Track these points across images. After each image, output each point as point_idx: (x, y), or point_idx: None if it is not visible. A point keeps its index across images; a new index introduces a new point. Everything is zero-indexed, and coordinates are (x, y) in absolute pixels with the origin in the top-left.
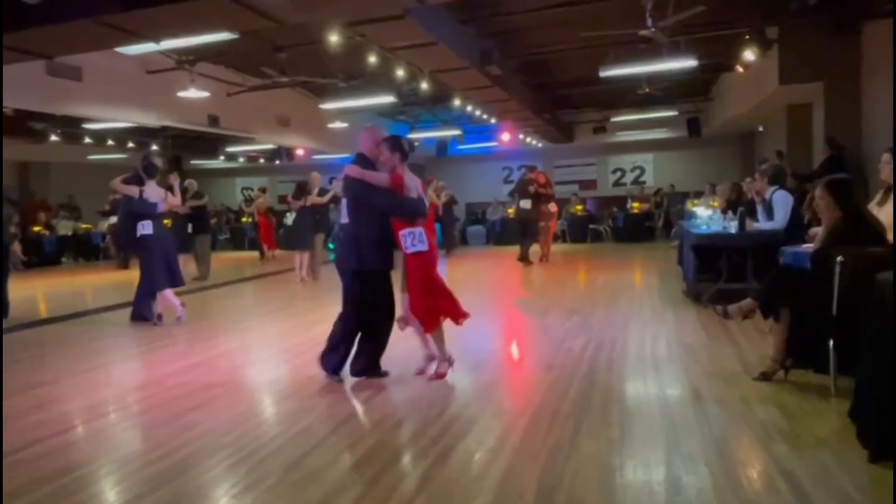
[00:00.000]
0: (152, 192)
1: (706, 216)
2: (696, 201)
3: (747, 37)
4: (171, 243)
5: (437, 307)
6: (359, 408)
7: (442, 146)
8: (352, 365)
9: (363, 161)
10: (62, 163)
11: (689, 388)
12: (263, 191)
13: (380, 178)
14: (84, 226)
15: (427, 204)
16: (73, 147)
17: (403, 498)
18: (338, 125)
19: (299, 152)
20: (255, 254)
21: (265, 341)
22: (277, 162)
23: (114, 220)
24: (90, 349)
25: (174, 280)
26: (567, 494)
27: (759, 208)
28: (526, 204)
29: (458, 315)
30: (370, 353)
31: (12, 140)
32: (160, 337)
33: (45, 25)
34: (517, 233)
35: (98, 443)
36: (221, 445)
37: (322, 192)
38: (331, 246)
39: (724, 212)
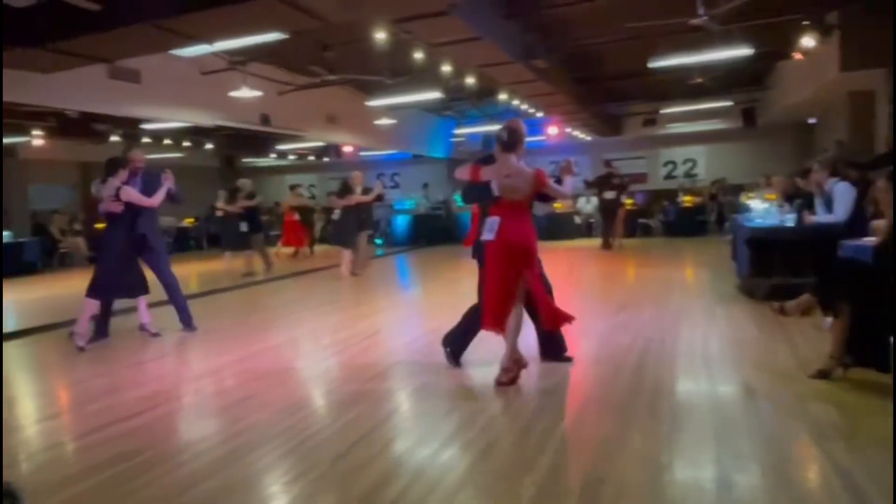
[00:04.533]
0: (106, 188)
1: (761, 209)
2: (750, 194)
3: (806, 23)
4: (110, 251)
5: (487, 309)
6: (405, 400)
7: (488, 141)
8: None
9: (491, 158)
10: None
11: (741, 385)
12: (293, 188)
13: (463, 171)
14: None
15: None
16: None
17: (449, 489)
18: (384, 122)
19: (347, 149)
20: (304, 250)
21: (313, 335)
22: (326, 159)
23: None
24: (147, 341)
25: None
26: (614, 489)
27: (819, 201)
28: (611, 195)
29: (485, 321)
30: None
31: (76, 141)
32: (212, 330)
33: (107, 31)
34: (603, 222)
35: (156, 431)
36: (272, 435)
37: (366, 191)
38: (378, 241)
39: (780, 204)
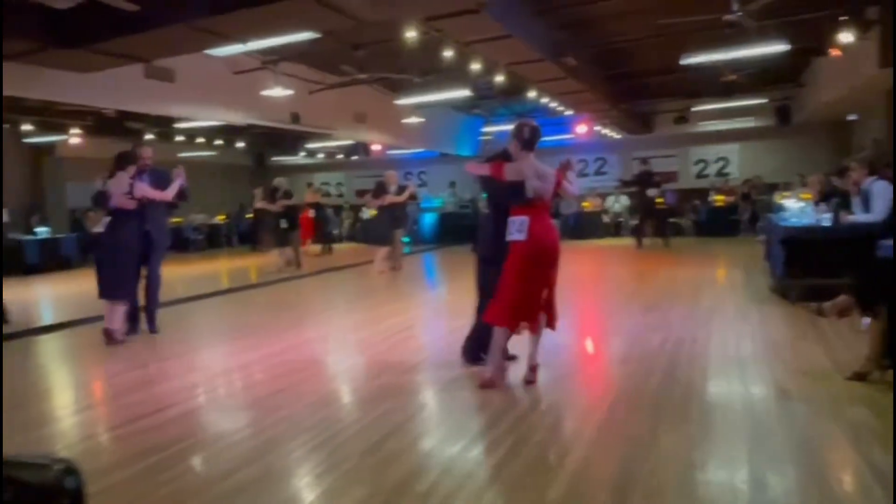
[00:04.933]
0: (114, 183)
1: (796, 208)
2: (784, 194)
3: (844, 18)
4: (125, 248)
5: (504, 306)
6: (434, 396)
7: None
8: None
9: (505, 155)
10: (156, 161)
11: (775, 387)
12: (309, 185)
13: (481, 168)
14: (175, 220)
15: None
16: (165, 145)
17: (478, 484)
18: (413, 120)
19: (376, 147)
20: (313, 247)
21: (342, 331)
22: (354, 157)
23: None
24: (177, 337)
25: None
26: (645, 488)
27: (856, 200)
28: (653, 192)
29: (500, 317)
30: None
31: (111, 139)
32: (244, 325)
33: (143, 31)
34: (641, 220)
35: (191, 421)
36: (304, 428)
37: (400, 190)
38: (406, 239)
39: (816, 204)
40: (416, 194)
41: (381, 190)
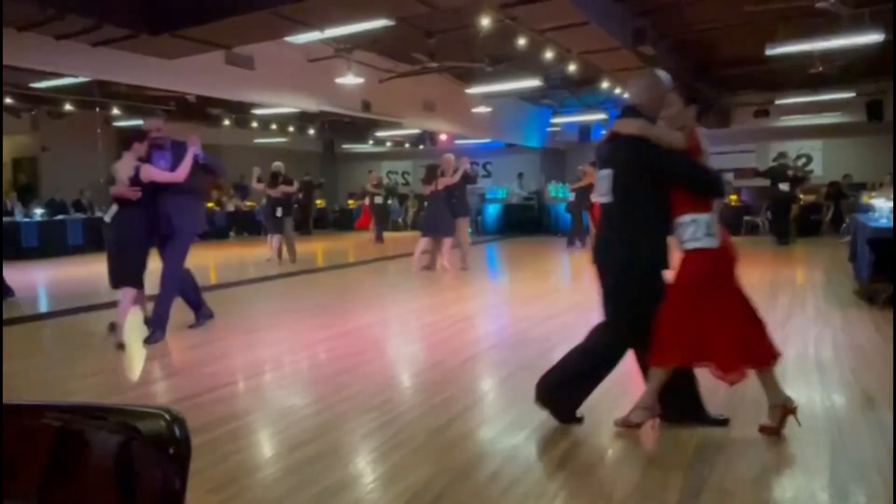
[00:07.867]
0: (120, 167)
1: (886, 208)
2: (873, 193)
3: None
4: (132, 241)
5: (692, 338)
6: (498, 384)
7: (584, 131)
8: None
9: (634, 115)
10: (232, 145)
11: (860, 394)
12: (370, 173)
13: (673, 136)
14: (248, 203)
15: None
16: (241, 131)
17: (542, 474)
18: (481, 110)
19: (442, 137)
20: (397, 234)
21: (406, 317)
22: (421, 146)
23: None
24: (250, 314)
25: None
26: (716, 489)
27: None
28: (785, 187)
29: (729, 365)
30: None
31: (191, 124)
32: (308, 307)
33: (226, 18)
34: (773, 217)
35: (262, 394)
36: (370, 407)
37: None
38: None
39: None
40: (470, 173)
41: (431, 175)
